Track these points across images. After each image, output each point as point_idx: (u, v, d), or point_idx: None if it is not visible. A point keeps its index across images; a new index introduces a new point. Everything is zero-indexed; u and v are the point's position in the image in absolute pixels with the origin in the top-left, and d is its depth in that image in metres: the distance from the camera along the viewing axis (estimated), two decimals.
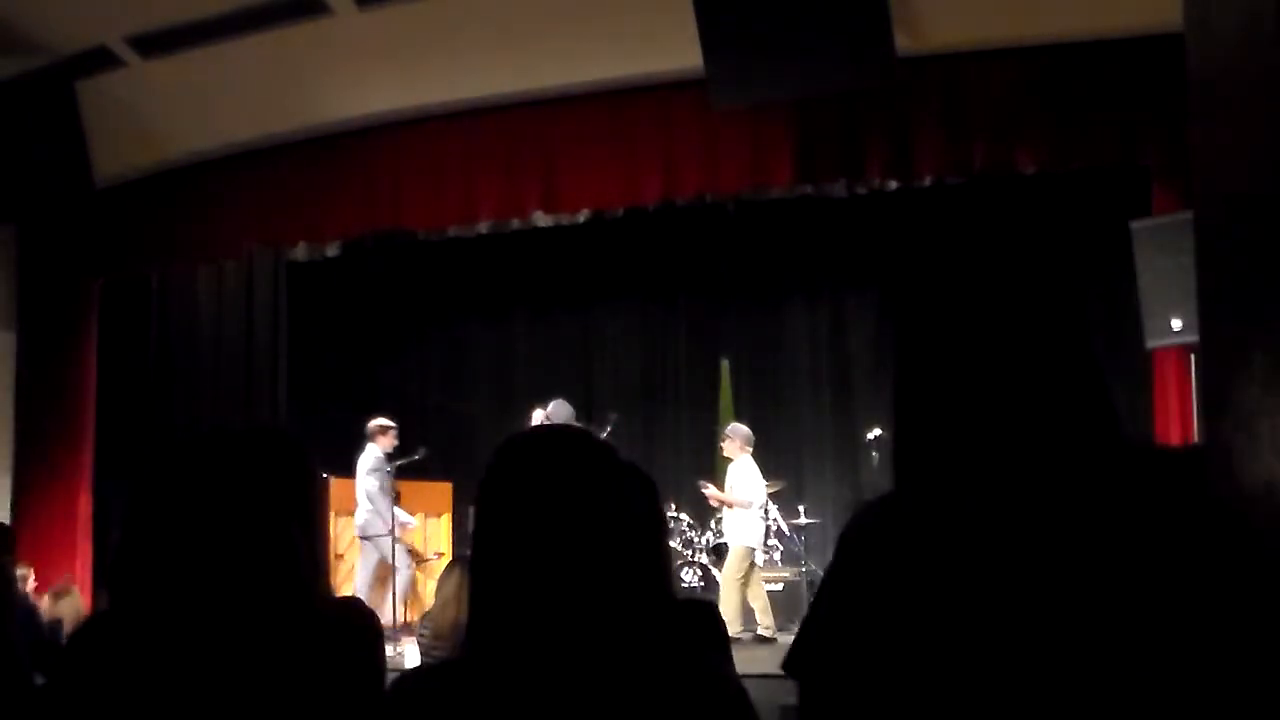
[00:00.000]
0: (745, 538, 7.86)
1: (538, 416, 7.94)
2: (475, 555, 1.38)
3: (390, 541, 7.71)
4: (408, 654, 6.69)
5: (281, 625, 1.52)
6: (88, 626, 1.57)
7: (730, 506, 7.98)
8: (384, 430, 8.05)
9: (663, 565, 2.29)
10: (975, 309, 1.21)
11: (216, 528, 1.53)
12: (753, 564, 7.86)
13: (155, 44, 6.71)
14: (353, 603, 1.75)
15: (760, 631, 7.72)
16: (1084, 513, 1.08)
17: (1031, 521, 1.08)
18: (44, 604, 5.70)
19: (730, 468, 8.14)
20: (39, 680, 2.37)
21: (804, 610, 7.56)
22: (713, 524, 8.82)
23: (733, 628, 7.63)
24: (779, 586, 8.31)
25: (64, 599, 5.88)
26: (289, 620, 1.53)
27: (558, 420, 7.67)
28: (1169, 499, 1.08)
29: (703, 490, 8.36)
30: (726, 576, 7.77)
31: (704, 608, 2.44)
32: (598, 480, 1.37)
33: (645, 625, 1.34)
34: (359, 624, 1.68)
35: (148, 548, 1.55)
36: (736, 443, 8.07)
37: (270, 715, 1.47)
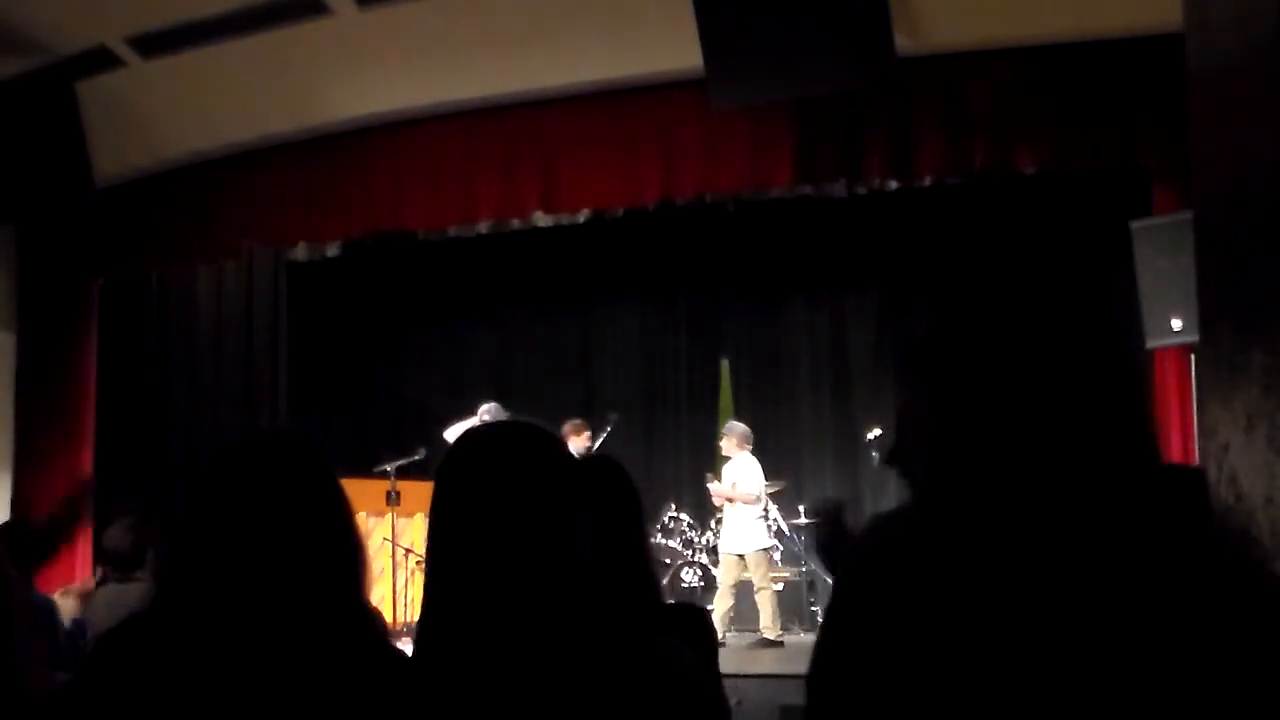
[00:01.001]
0: (759, 540, 7.87)
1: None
2: (428, 553, 1.40)
3: None
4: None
5: (333, 625, 1.57)
6: (127, 625, 1.60)
7: (732, 502, 7.97)
8: (577, 430, 8.13)
9: (643, 557, 2.29)
10: (1018, 322, 1.16)
11: (265, 535, 1.57)
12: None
13: (155, 44, 6.70)
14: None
15: (766, 634, 7.73)
16: (1107, 537, 1.06)
17: (1054, 543, 1.06)
18: (68, 604, 5.67)
19: (728, 466, 8.13)
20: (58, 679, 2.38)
21: (804, 610, 7.60)
22: (713, 524, 8.82)
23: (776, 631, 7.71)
24: (779, 586, 8.32)
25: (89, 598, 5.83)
26: (339, 621, 1.58)
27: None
28: (1197, 530, 1.06)
29: (708, 486, 8.36)
30: (761, 584, 7.77)
31: (693, 612, 2.44)
32: (542, 476, 1.39)
33: (594, 618, 1.35)
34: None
35: (199, 552, 1.58)
36: (734, 440, 8.07)
37: (303, 709, 1.50)
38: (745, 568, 7.88)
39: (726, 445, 8.13)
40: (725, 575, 7.94)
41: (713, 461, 10.06)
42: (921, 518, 1.16)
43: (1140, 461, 1.11)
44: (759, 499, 7.97)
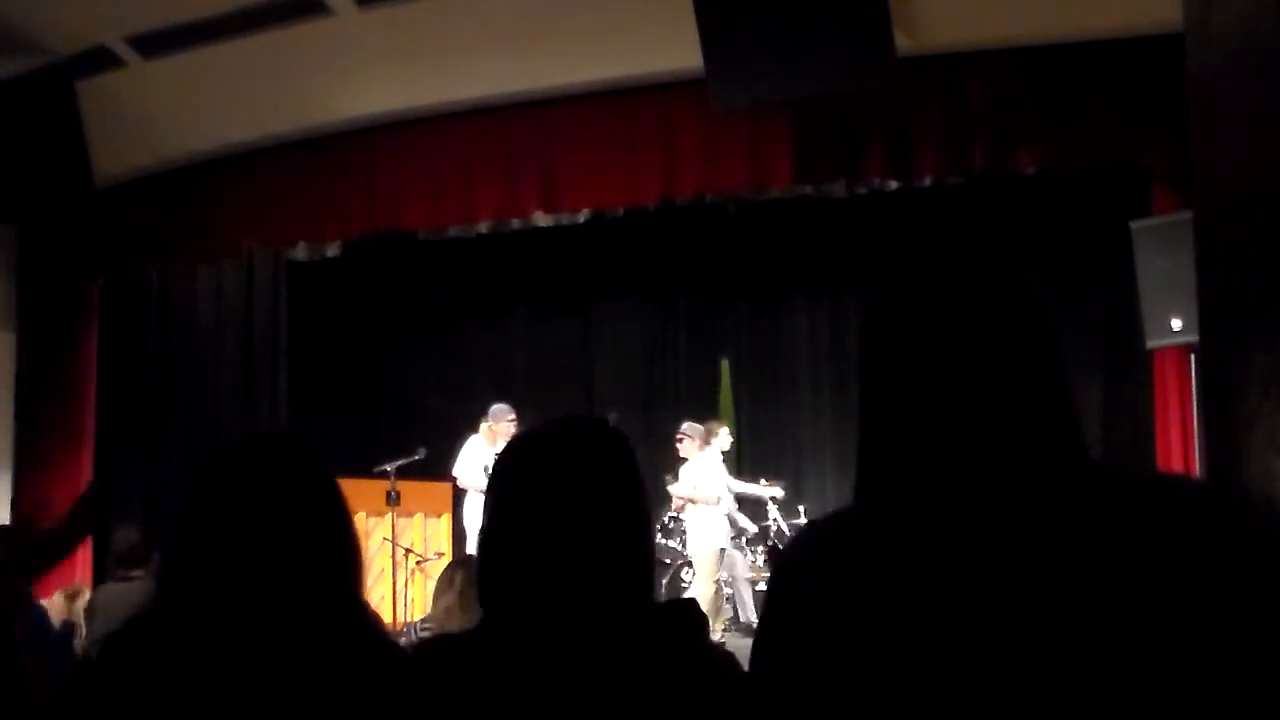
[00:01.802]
0: (715, 540, 7.70)
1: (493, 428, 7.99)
2: (485, 538, 1.40)
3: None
4: None
5: (335, 625, 1.58)
6: (131, 624, 1.62)
7: (695, 504, 7.84)
8: (711, 432, 8.13)
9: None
10: (934, 316, 1.15)
11: (263, 535, 1.58)
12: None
13: (155, 44, 6.70)
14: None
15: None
16: (1033, 535, 1.04)
17: (978, 541, 1.05)
18: (57, 605, 5.68)
19: (685, 467, 7.94)
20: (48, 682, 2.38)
21: None
22: (669, 523, 8.81)
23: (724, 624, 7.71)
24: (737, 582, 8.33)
25: (79, 600, 5.86)
26: (341, 620, 1.59)
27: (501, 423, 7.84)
28: (1125, 526, 1.03)
29: (668, 489, 8.26)
30: (703, 579, 7.66)
31: (684, 605, 2.44)
32: (609, 470, 1.40)
33: (647, 610, 1.36)
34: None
35: (199, 553, 1.59)
36: (697, 441, 7.91)
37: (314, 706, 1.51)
38: (719, 565, 7.86)
39: (687, 447, 7.90)
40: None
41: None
42: (852, 518, 1.16)
43: (1066, 454, 1.11)
44: (719, 500, 7.85)
